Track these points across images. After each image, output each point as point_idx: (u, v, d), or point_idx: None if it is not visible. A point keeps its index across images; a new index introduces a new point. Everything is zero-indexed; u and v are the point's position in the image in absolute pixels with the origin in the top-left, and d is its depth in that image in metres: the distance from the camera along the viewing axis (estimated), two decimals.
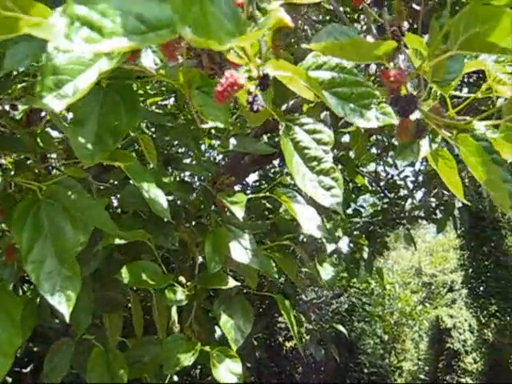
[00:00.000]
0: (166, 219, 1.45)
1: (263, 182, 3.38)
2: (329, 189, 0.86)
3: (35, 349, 2.15)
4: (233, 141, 1.58)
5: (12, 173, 1.08)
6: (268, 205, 2.65)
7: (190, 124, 2.09)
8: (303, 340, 5.16)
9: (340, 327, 4.67)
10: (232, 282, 1.44)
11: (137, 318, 1.65)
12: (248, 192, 3.29)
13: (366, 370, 6.35)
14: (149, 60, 0.82)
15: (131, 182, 1.58)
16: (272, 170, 3.51)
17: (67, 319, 0.76)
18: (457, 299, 7.86)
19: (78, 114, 0.80)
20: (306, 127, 0.87)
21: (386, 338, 7.06)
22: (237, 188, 2.94)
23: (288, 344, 5.49)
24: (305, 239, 2.60)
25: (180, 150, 2.48)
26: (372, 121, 0.79)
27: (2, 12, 0.49)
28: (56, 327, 1.73)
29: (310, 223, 1.44)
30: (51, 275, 0.81)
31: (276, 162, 3.34)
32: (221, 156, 3.10)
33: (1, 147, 0.99)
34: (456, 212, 3.84)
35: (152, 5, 0.45)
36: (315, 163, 0.86)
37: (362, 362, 6.33)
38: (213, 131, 2.54)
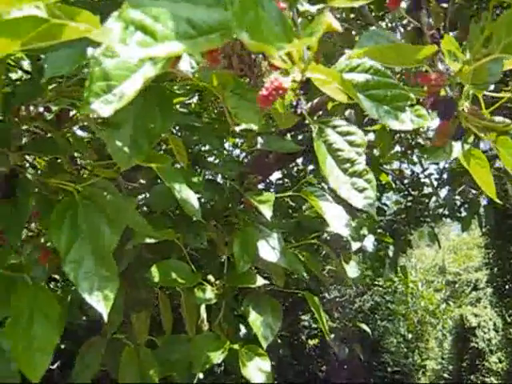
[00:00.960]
0: (194, 218, 1.47)
1: (286, 181, 3.38)
2: (362, 190, 0.86)
3: (62, 346, 2.17)
4: (260, 139, 1.59)
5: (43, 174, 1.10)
6: (291, 203, 2.66)
7: (215, 123, 2.11)
8: (327, 338, 5.17)
9: (364, 326, 4.66)
10: (260, 281, 1.45)
11: (166, 315, 1.66)
12: (272, 190, 3.30)
13: (389, 369, 6.33)
14: (186, 64, 0.83)
15: (160, 181, 1.60)
16: (295, 169, 3.50)
17: (105, 318, 0.78)
18: (481, 298, 7.79)
19: (114, 117, 0.81)
20: (339, 129, 0.88)
21: (409, 336, 7.03)
22: (260, 186, 2.95)
23: (311, 342, 5.50)
24: (328, 237, 2.61)
25: (203, 149, 2.50)
26: (406, 123, 0.80)
27: (50, 19, 0.50)
28: (85, 325, 1.75)
29: (337, 221, 1.45)
30: (89, 275, 0.82)
31: (299, 161, 3.34)
32: (243, 154, 3.11)
33: (36, 149, 1.01)
34: (481, 210, 3.80)
35: (201, 10, 0.46)
36: (348, 165, 0.87)
37: (385, 361, 6.31)
38: (236, 130, 2.55)
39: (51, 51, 0.76)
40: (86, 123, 1.29)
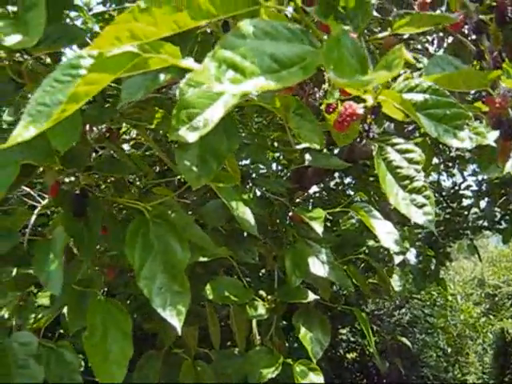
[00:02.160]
0: (245, 234, 1.50)
1: (324, 194, 3.40)
2: (421, 207, 0.89)
3: None
4: (308, 156, 1.61)
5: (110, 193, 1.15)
6: (329, 216, 2.67)
7: (256, 138, 2.14)
8: (366, 352, 5.14)
9: (403, 339, 4.63)
10: (311, 296, 1.48)
11: (214, 329, 1.69)
12: (310, 203, 3.32)
13: (428, 382, 6.25)
14: None
15: (209, 197, 1.64)
16: (333, 182, 3.51)
17: (179, 332, 0.81)
18: None
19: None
20: (398, 147, 0.90)
21: (449, 350, 6.93)
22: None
23: (349, 356, 5.47)
24: (366, 251, 2.62)
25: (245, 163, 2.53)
26: (466, 141, 0.82)
27: (141, 53, 0.54)
28: (139, 337, 1.79)
29: (388, 238, 1.46)
30: (162, 291, 0.86)
31: (336, 174, 3.35)
32: (280, 168, 3.14)
33: (103, 169, 1.06)
34: None
35: (282, 45, 0.50)
36: (407, 182, 0.89)
37: (425, 375, 6.23)
38: (275, 144, 2.58)
39: (126, 78, 0.81)
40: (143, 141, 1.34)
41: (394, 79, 0.88)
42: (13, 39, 0.69)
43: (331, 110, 0.87)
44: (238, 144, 0.89)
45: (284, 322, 2.33)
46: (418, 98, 0.84)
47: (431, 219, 0.88)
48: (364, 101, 0.61)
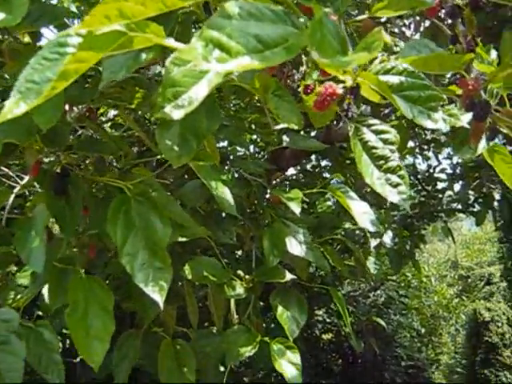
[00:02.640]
0: (223, 214, 1.52)
1: (301, 176, 3.41)
2: (396, 186, 0.91)
3: None
4: (285, 137, 1.63)
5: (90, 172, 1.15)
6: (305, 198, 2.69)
7: (234, 120, 2.15)
8: (342, 333, 5.20)
9: (379, 320, 4.70)
10: (288, 276, 1.50)
11: (192, 309, 1.71)
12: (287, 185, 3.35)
13: (403, 363, 6.34)
14: None
15: (187, 179, 1.65)
16: (309, 165, 3.53)
17: (161, 306, 0.83)
18: (495, 292, 7.78)
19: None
20: (373, 128, 0.92)
21: (422, 331, 7.05)
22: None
23: (325, 336, 5.53)
24: (342, 232, 2.64)
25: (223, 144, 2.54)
26: (439, 122, 0.84)
27: (128, 32, 0.55)
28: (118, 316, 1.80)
29: (364, 217, 1.49)
30: (144, 267, 0.88)
31: (313, 157, 3.37)
32: (257, 149, 3.14)
33: (84, 149, 1.06)
34: (495, 204, 3.82)
35: (266, 26, 0.51)
36: (382, 162, 0.91)
37: (399, 355, 6.33)
38: (253, 126, 2.59)
39: (107, 57, 0.81)
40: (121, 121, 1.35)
41: (371, 62, 0.90)
42: None
43: (309, 91, 0.89)
44: (218, 123, 0.91)
45: (262, 303, 2.36)
46: (394, 80, 0.86)
47: (405, 198, 0.91)
48: (343, 82, 0.63)
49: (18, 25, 0.79)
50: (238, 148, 2.22)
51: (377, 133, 0.93)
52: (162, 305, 0.83)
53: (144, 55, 0.81)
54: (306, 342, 4.91)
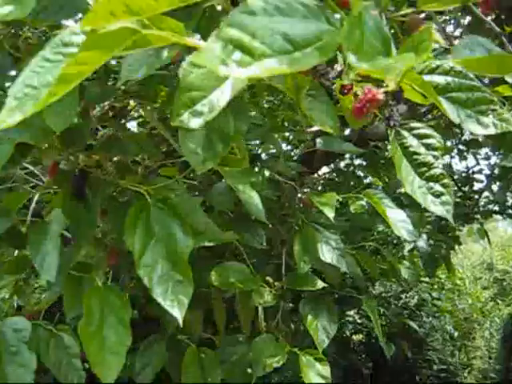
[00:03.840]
0: (253, 217, 1.45)
1: (334, 175, 3.37)
2: (439, 196, 0.84)
3: None
4: (319, 140, 1.56)
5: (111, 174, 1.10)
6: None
7: (266, 118, 2.09)
8: (373, 334, 5.11)
9: (410, 322, 4.60)
10: (320, 283, 1.43)
11: (219, 314, 1.66)
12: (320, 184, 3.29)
13: (435, 367, 6.22)
14: None
15: (218, 179, 1.59)
16: (343, 163, 3.47)
17: (180, 323, 0.77)
18: None
19: None
20: (416, 132, 0.85)
21: (455, 334, 6.90)
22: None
23: (356, 337, 5.46)
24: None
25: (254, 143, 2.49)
26: (490, 127, 0.76)
27: (141, 30, 0.48)
28: (140, 321, 1.76)
29: (400, 226, 1.42)
30: (163, 279, 0.81)
31: (347, 155, 3.31)
32: (289, 147, 3.08)
33: (104, 149, 1.01)
34: None
35: (297, 23, 0.44)
36: (425, 169, 0.84)
37: (431, 359, 6.21)
38: (286, 124, 2.52)
39: (127, 55, 0.75)
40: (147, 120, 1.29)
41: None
42: (3, 10, 0.64)
43: (346, 91, 0.82)
44: (247, 125, 0.84)
45: (291, 305, 2.31)
46: (440, 80, 0.79)
47: (449, 209, 0.84)
48: (384, 84, 0.56)
49: (35, 18, 0.74)
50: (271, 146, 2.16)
51: (419, 137, 0.86)
52: (181, 321, 0.77)
53: (166, 53, 0.75)
54: (336, 343, 4.84)
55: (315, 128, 0.86)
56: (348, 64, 0.79)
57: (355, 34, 0.40)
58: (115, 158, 1.04)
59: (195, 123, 0.52)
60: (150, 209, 0.88)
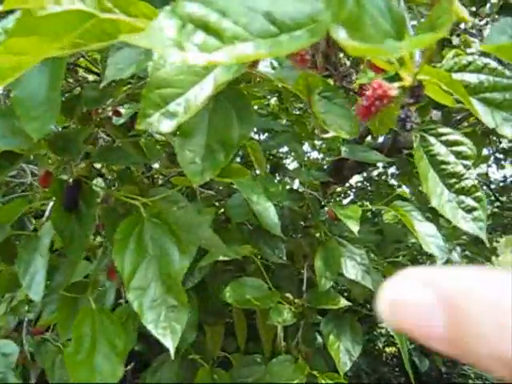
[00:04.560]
0: None
1: (367, 184, 3.32)
2: (470, 211, 0.74)
3: (136, 348, 2.13)
4: (344, 148, 1.46)
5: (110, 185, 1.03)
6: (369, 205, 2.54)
7: (295, 125, 2.00)
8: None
9: None
10: (343, 301, 1.33)
11: (240, 330, 1.57)
12: (352, 193, 3.21)
13: (470, 381, 6.04)
14: (265, 63, 0.72)
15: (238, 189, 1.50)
16: (376, 172, 3.40)
17: (172, 354, 0.68)
18: None
19: (185, 123, 0.71)
20: (444, 138, 0.75)
21: None
22: (340, 189, 2.86)
23: (388, 350, 5.31)
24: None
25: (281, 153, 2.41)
26: None
27: (98, 14, 0.40)
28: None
29: (429, 241, 1.31)
30: (155, 304, 0.72)
31: (380, 164, 3.22)
32: (321, 156, 3.00)
33: (104, 158, 0.93)
34: None
35: (285, 0, 0.34)
36: (454, 180, 0.74)
37: (466, 373, 6.02)
38: (324, 136, 2.43)
39: (114, 51, 0.67)
40: None
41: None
42: None
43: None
44: (251, 131, 0.75)
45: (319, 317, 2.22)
46: (471, 78, 0.69)
47: (482, 226, 0.74)
48: (400, 79, 0.46)
49: None
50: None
51: (448, 144, 0.76)
52: (173, 352, 0.68)
53: None
54: (368, 356, 4.71)
55: (330, 134, 0.76)
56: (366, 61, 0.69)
57: (348, 5, 0.30)
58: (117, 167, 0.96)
59: (167, 126, 0.43)
60: (144, 224, 0.79)
